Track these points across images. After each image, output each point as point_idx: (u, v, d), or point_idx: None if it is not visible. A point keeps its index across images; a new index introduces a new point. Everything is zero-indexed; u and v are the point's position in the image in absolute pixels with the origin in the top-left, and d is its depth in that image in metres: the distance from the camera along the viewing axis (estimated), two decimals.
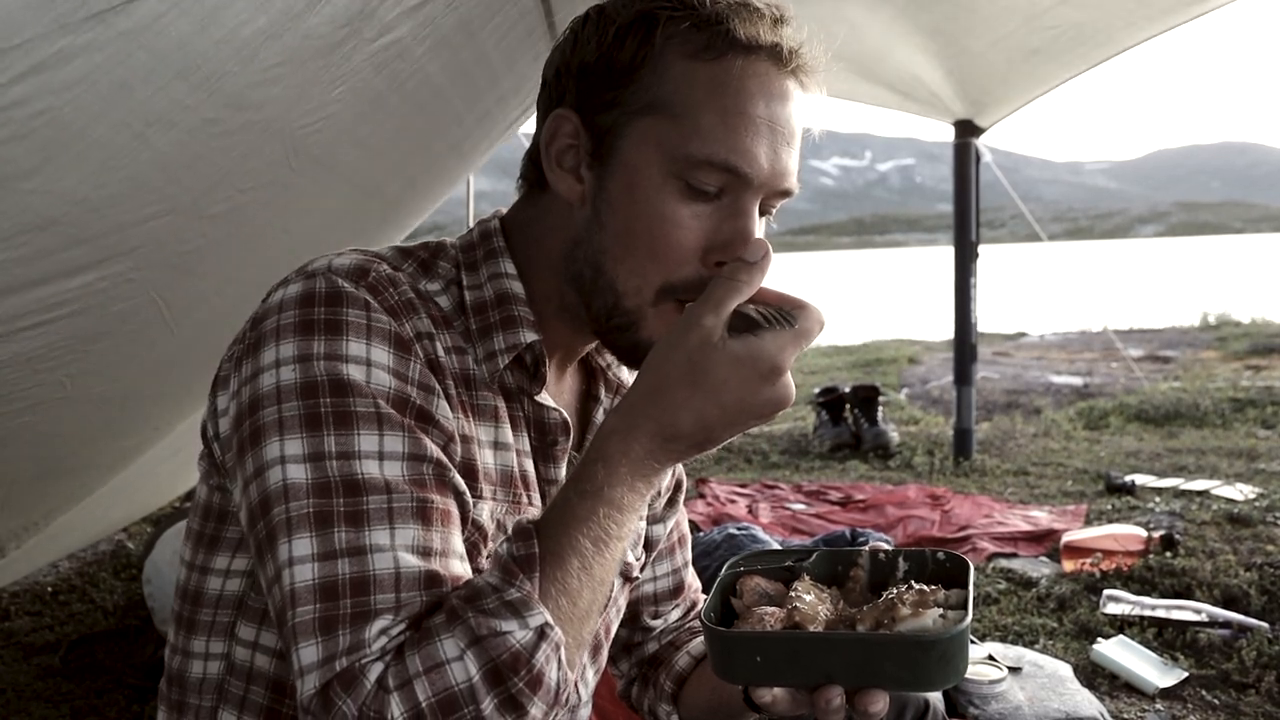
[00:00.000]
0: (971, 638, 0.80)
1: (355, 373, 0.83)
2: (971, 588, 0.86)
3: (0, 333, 1.53)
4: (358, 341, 0.84)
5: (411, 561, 0.79)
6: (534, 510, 0.98)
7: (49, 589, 3.29)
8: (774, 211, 0.96)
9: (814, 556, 0.96)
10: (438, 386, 0.87)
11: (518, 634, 0.75)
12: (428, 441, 0.84)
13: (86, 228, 1.49)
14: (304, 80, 1.76)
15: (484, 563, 0.92)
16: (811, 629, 0.83)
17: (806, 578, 0.93)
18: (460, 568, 0.83)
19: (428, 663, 0.74)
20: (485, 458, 0.93)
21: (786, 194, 0.94)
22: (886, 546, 0.97)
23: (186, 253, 1.83)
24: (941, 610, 0.83)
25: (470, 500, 0.89)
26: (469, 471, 0.91)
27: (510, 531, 0.82)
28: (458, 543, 0.85)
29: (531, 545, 0.79)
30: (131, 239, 1.62)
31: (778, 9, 0.91)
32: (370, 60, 1.96)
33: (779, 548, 2.44)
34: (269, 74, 1.61)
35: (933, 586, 0.86)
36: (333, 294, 0.85)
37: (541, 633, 0.76)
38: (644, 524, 1.18)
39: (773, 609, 0.86)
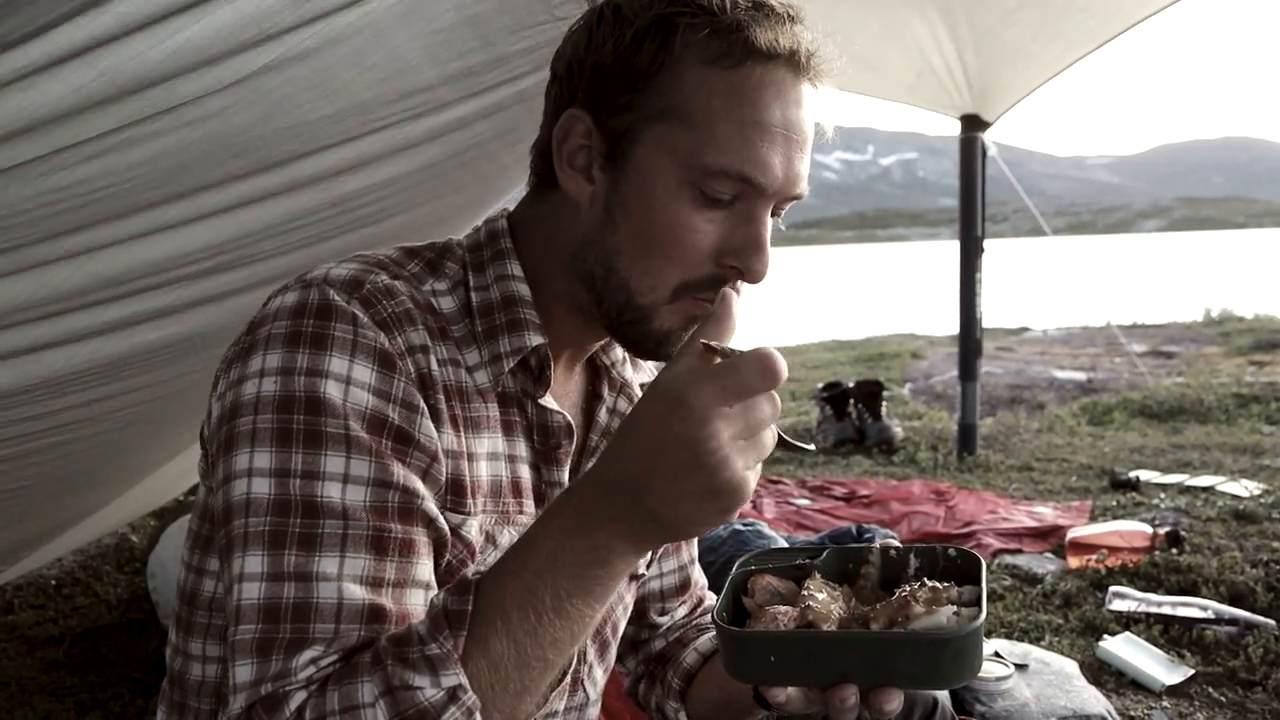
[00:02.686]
0: None
1: (333, 390, 0.82)
2: (985, 584, 0.86)
3: (28, 354, 1.55)
4: (341, 357, 0.83)
5: (356, 593, 0.79)
6: (525, 519, 0.97)
7: (53, 582, 3.29)
8: (784, 213, 0.96)
9: (825, 555, 0.95)
10: (422, 404, 0.86)
11: (428, 691, 0.74)
12: (397, 469, 0.83)
13: (126, 272, 1.52)
14: (361, 153, 1.78)
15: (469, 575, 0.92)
16: (825, 628, 0.83)
17: (818, 576, 0.92)
18: (416, 598, 0.83)
19: (344, 703, 0.74)
20: (477, 471, 0.92)
21: (798, 198, 0.94)
22: (896, 544, 0.97)
23: (225, 294, 1.86)
24: (955, 607, 0.82)
25: (446, 528, 0.87)
26: (458, 487, 0.90)
27: (455, 581, 0.79)
28: (421, 572, 0.84)
29: (466, 602, 0.76)
30: (170, 282, 1.65)
31: (792, 8, 0.91)
32: (429, 132, 1.98)
33: (786, 545, 2.44)
34: (327, 149, 1.65)
35: (945, 583, 0.86)
36: (323, 307, 0.85)
37: (453, 695, 0.74)
38: None
39: (785, 608, 0.86)
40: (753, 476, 0.72)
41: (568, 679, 1.03)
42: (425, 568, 0.85)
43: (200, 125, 1.29)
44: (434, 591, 0.85)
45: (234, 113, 1.32)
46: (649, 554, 0.77)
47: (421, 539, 0.84)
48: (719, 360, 0.73)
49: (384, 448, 0.83)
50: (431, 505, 0.86)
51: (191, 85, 1.21)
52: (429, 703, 0.73)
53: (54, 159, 1.15)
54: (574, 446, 1.01)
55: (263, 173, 1.54)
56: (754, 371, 0.71)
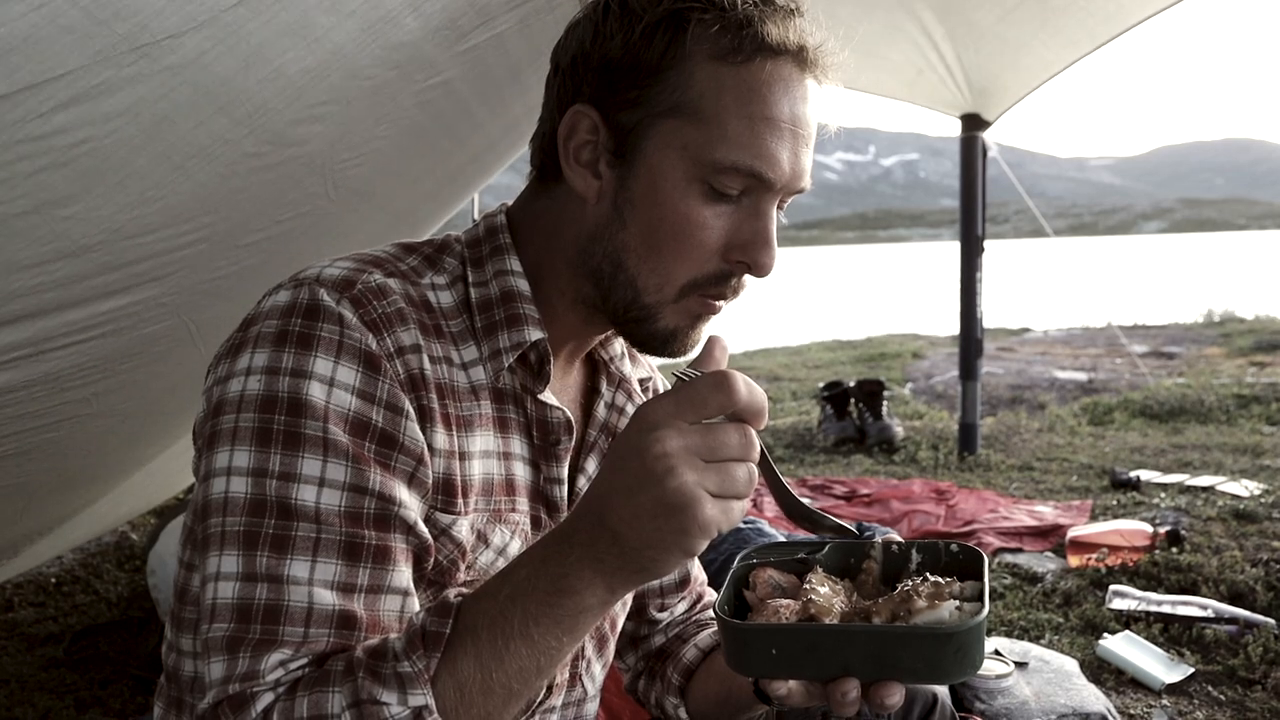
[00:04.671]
0: None
1: (316, 392, 0.82)
2: (987, 579, 0.86)
3: (30, 353, 1.53)
4: (325, 359, 0.83)
5: (326, 599, 0.79)
6: (517, 516, 0.97)
7: (52, 580, 3.29)
8: (785, 207, 0.97)
9: (827, 548, 0.95)
10: (409, 407, 0.86)
11: (394, 708, 0.74)
12: (375, 474, 0.83)
13: (121, 255, 1.49)
14: (349, 118, 1.76)
15: (462, 575, 0.92)
16: (827, 621, 0.82)
17: (820, 570, 0.92)
18: (391, 605, 0.83)
19: (313, 711, 0.75)
20: (469, 469, 0.92)
21: (801, 191, 0.95)
22: (897, 539, 0.97)
23: (219, 279, 1.83)
24: (957, 602, 0.82)
25: (427, 536, 0.87)
26: (449, 487, 0.89)
27: (435, 601, 0.80)
28: (396, 579, 0.84)
29: (445, 625, 0.76)
30: (165, 266, 1.62)
31: (795, 2, 0.91)
32: (416, 99, 1.96)
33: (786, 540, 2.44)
34: (314, 112, 1.62)
35: (947, 578, 0.86)
36: (311, 307, 0.85)
37: (418, 715, 0.74)
38: None
39: (787, 601, 0.85)
40: (713, 503, 0.70)
41: (561, 678, 1.03)
42: (402, 575, 0.84)
43: (179, 73, 1.26)
44: (412, 598, 0.85)
45: (212, 59, 1.29)
46: (618, 593, 0.76)
47: (398, 546, 0.84)
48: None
49: (365, 452, 0.83)
50: (411, 512, 0.85)
51: (165, 21, 1.18)
52: (393, 719, 0.74)
53: (24, 100, 1.11)
54: (573, 442, 1.01)
55: (250, 137, 1.51)
56: (707, 385, 0.72)
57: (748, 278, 0.95)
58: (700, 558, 1.34)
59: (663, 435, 0.70)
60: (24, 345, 1.50)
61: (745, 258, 0.92)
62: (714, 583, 1.27)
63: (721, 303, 0.95)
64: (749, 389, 0.73)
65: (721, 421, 0.72)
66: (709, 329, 0.97)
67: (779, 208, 0.94)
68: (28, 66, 1.08)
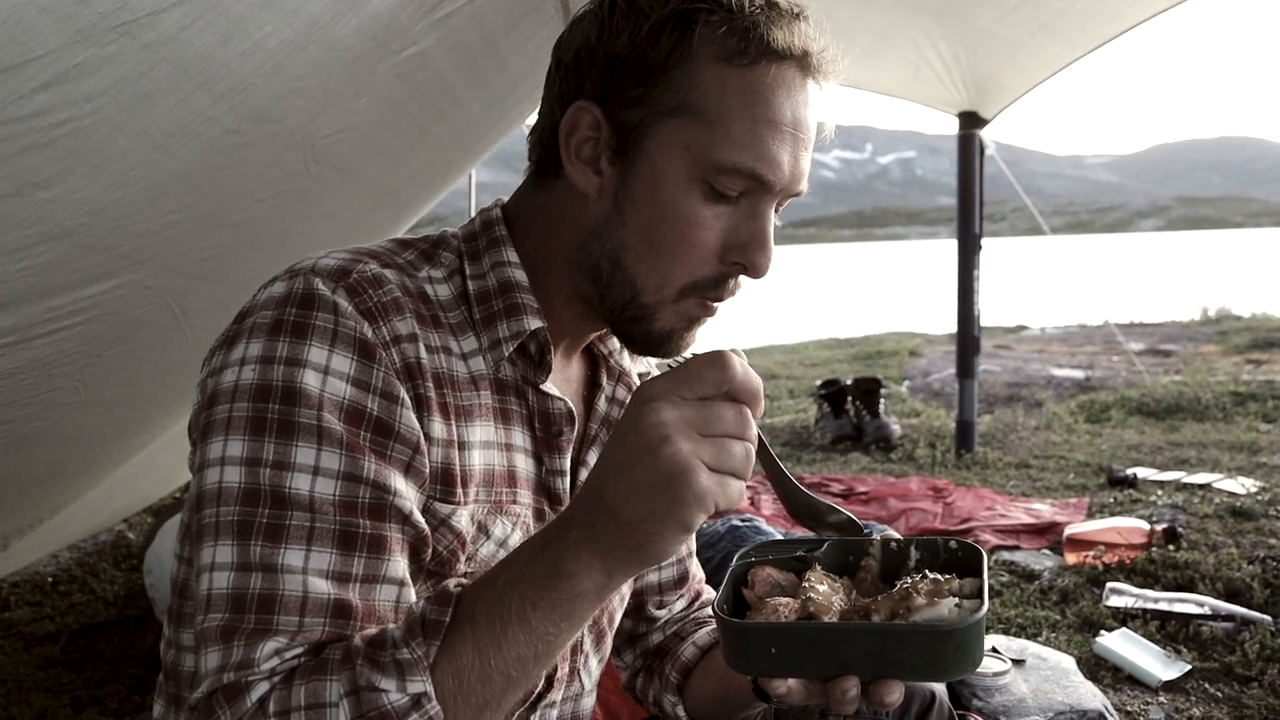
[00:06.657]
0: None
1: (311, 380, 0.82)
2: (986, 576, 0.86)
3: (15, 340, 1.52)
4: (320, 347, 0.83)
5: (321, 587, 0.79)
6: (518, 508, 0.97)
7: (49, 579, 3.29)
8: (782, 209, 0.98)
9: (825, 546, 0.95)
10: (404, 395, 0.85)
11: (393, 695, 0.74)
12: (370, 463, 0.83)
13: (104, 237, 1.48)
14: (328, 91, 1.76)
15: (462, 567, 0.91)
16: (826, 619, 0.82)
17: (819, 568, 0.92)
18: (386, 595, 0.83)
19: (310, 699, 0.74)
20: (469, 460, 0.91)
21: (798, 194, 0.95)
22: (896, 536, 0.96)
23: (203, 260, 1.82)
24: (956, 599, 0.82)
25: (424, 526, 0.87)
26: (447, 476, 0.89)
27: (435, 589, 0.79)
28: (392, 569, 0.83)
29: (444, 613, 0.76)
30: (149, 247, 1.61)
31: (798, 5, 0.92)
32: (394, 70, 1.96)
33: (784, 538, 2.44)
34: (293, 86, 1.61)
35: (946, 576, 0.85)
36: (306, 296, 0.85)
37: (417, 702, 0.74)
38: None
39: (786, 599, 0.85)
40: (709, 475, 0.70)
41: (561, 672, 1.03)
42: (397, 565, 0.84)
43: (159, 49, 1.25)
44: (408, 588, 0.85)
45: (192, 34, 1.28)
46: (616, 577, 0.76)
47: (394, 536, 0.84)
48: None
49: (360, 440, 0.83)
50: (407, 502, 0.85)
51: None
52: (392, 706, 0.73)
53: (5, 81, 1.10)
54: (575, 435, 1.01)
55: (231, 114, 1.50)
56: (703, 362, 0.73)
57: (743, 278, 0.95)
58: (698, 556, 1.34)
59: (658, 407, 0.71)
60: (10, 332, 1.49)
61: (742, 259, 0.92)
62: (712, 581, 1.27)
63: (718, 305, 0.96)
64: (745, 369, 0.74)
65: (718, 399, 0.73)
66: (704, 332, 0.98)
67: (775, 210, 0.95)
68: (8, 47, 1.07)
